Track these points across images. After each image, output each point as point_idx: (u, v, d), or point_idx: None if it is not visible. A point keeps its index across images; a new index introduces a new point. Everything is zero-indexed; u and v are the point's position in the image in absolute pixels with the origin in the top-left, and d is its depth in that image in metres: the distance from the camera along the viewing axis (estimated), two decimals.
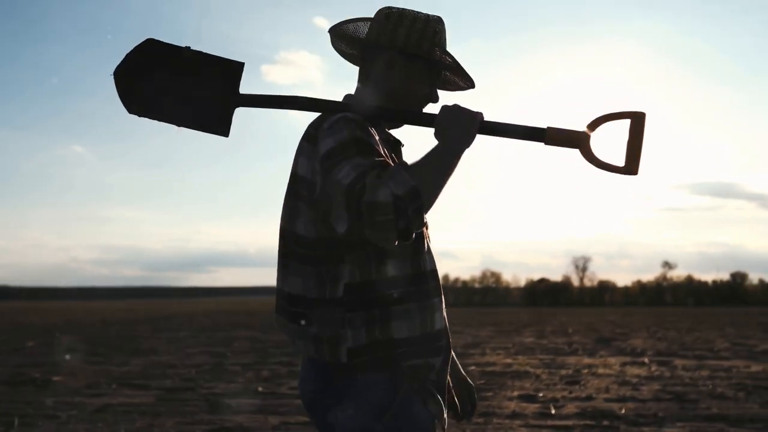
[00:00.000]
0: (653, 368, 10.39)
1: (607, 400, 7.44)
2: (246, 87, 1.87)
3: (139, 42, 1.81)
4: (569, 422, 6.22)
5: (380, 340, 1.67)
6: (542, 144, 1.81)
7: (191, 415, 6.59)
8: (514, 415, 6.55)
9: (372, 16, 1.88)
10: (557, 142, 1.81)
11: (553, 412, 6.66)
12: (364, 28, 1.87)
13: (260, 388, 8.23)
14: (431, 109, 1.89)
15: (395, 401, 1.68)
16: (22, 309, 48.33)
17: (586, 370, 10.08)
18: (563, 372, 9.89)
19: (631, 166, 1.82)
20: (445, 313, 1.82)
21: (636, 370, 10.09)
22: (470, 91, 1.99)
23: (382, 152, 1.68)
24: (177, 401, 7.37)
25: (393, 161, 1.75)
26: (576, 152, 1.82)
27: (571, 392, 7.96)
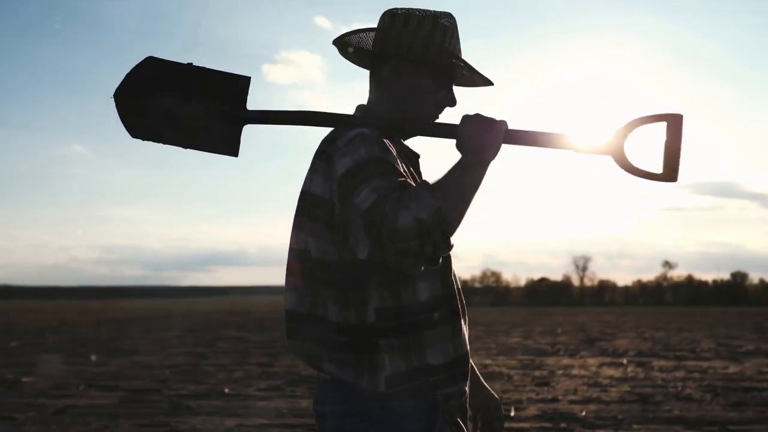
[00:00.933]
0: (629, 369, 10.37)
1: (571, 401, 7.42)
2: None
3: (139, 61, 1.73)
4: (526, 424, 6.20)
5: (418, 368, 1.60)
6: (572, 152, 1.69)
7: (149, 417, 6.57)
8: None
9: (376, 21, 1.79)
10: (587, 150, 1.70)
11: (512, 414, 6.63)
12: (368, 38, 1.78)
13: (227, 390, 8.22)
14: (450, 113, 1.80)
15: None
16: (19, 308, 48.41)
17: (560, 371, 10.05)
18: (537, 373, 9.87)
19: (670, 173, 1.69)
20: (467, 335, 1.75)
21: (611, 371, 10.06)
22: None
23: (403, 170, 1.59)
24: (140, 403, 7.36)
25: (413, 178, 1.67)
26: (608, 159, 1.70)
27: (538, 394, 7.93)
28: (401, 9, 1.75)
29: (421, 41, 1.71)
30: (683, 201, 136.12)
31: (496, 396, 1.94)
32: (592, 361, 11.62)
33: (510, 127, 1.65)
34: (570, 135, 1.69)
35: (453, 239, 1.51)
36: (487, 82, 1.83)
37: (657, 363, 11.23)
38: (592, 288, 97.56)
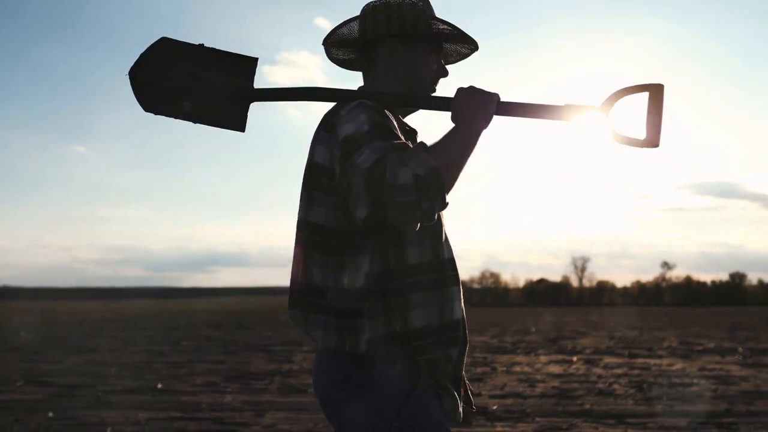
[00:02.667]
0: (574, 366, 10.45)
1: (492, 396, 7.50)
2: None
3: (154, 41, 1.83)
4: None
5: (398, 332, 1.66)
6: (561, 122, 1.78)
7: (66, 411, 6.68)
8: None
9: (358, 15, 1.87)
10: (575, 117, 1.78)
11: None
12: (356, 28, 1.86)
13: (160, 386, 8.33)
14: (443, 86, 1.90)
15: (411, 399, 1.66)
16: (10, 309, 48.56)
17: (504, 369, 10.14)
18: (479, 369, 9.96)
19: (652, 138, 1.77)
20: (462, 303, 1.80)
21: (553, 368, 10.15)
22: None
23: (401, 135, 1.68)
24: (65, 398, 7.46)
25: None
26: (588, 139, 1.80)
27: None
28: (378, 0, 1.85)
29: (408, 16, 1.81)
30: (684, 201, 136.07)
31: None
32: (543, 358, 11.70)
33: (502, 99, 1.75)
34: (557, 106, 1.78)
35: (448, 198, 1.59)
36: (472, 47, 1.91)
37: (607, 360, 11.31)
38: (590, 289, 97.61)
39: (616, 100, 1.78)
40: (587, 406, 6.81)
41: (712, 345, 14.44)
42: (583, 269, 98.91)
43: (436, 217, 1.58)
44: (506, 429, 5.81)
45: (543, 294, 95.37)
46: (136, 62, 1.81)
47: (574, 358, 11.59)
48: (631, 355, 12.19)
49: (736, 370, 10.06)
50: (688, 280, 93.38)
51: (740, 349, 13.26)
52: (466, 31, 1.85)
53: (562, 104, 1.78)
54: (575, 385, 8.33)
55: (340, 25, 1.86)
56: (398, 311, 1.66)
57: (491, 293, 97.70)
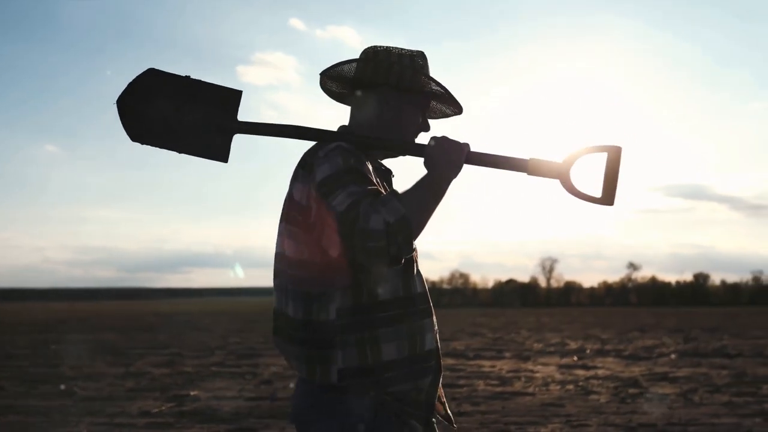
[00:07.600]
0: None
1: (251, 398, 7.70)
2: None
3: (141, 72, 1.91)
4: (171, 419, 6.47)
5: (370, 364, 1.77)
6: (525, 174, 1.92)
7: None
8: (143, 413, 6.79)
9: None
10: (539, 173, 1.93)
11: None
12: (351, 69, 1.96)
13: None
14: (423, 138, 2.01)
15: (372, 427, 1.78)
16: None
17: None
18: None
19: (607, 198, 1.95)
20: (437, 334, 1.91)
21: None
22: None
23: (375, 180, 1.79)
24: None
25: (385, 190, 1.86)
26: (555, 182, 1.94)
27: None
28: (380, 46, 1.97)
29: (408, 71, 1.93)
30: (656, 203, 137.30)
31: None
32: None
33: (472, 149, 1.88)
34: (523, 160, 1.93)
35: (415, 243, 1.73)
36: (456, 111, 2.06)
37: (449, 362, 11.51)
38: (558, 289, 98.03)
39: (577, 158, 1.93)
40: None
41: (575, 346, 14.69)
42: (551, 270, 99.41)
43: (403, 261, 1.70)
44: (205, 428, 6.00)
45: (511, 295, 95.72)
46: (124, 91, 1.89)
47: None
48: (475, 357, 12.40)
49: (549, 371, 10.32)
50: (653, 281, 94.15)
51: (588, 351, 13.53)
52: (454, 92, 1.98)
53: (528, 158, 1.92)
54: None
55: (341, 62, 1.97)
56: (370, 344, 1.77)
57: (460, 294, 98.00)
